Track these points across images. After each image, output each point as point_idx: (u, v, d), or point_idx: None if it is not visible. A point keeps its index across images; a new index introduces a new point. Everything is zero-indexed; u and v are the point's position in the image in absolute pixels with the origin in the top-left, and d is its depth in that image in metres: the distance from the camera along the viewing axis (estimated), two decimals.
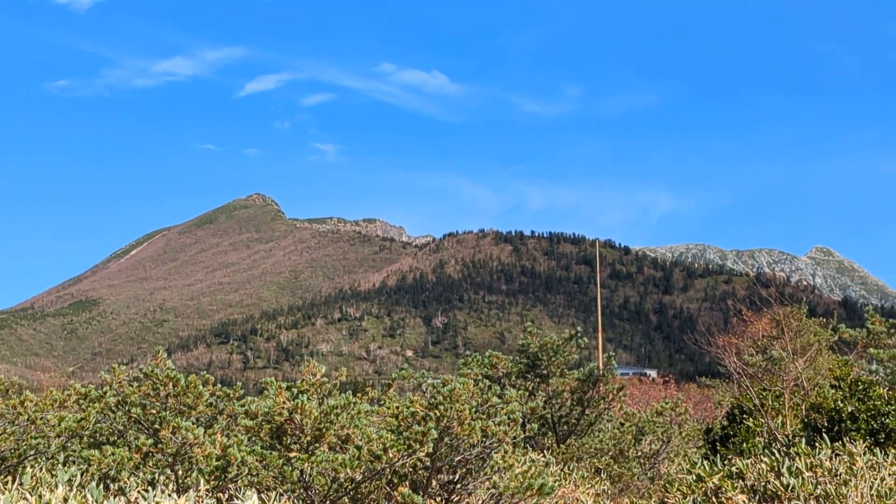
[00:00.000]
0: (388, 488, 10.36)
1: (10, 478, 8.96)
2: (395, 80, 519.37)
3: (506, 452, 11.32)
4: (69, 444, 9.94)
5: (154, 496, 7.57)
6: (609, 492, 16.87)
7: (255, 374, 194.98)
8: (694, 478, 12.13)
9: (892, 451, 11.85)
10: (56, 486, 7.09)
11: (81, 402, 10.18)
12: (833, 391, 14.30)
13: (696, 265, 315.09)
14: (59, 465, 9.48)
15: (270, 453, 9.59)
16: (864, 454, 11.46)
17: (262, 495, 8.58)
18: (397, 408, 10.58)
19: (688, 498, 11.78)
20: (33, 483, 8.31)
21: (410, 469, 10.48)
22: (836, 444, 12.21)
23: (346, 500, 9.99)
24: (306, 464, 9.42)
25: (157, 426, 9.62)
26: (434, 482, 10.86)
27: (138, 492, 8.29)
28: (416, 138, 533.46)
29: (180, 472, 9.75)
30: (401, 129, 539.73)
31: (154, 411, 9.86)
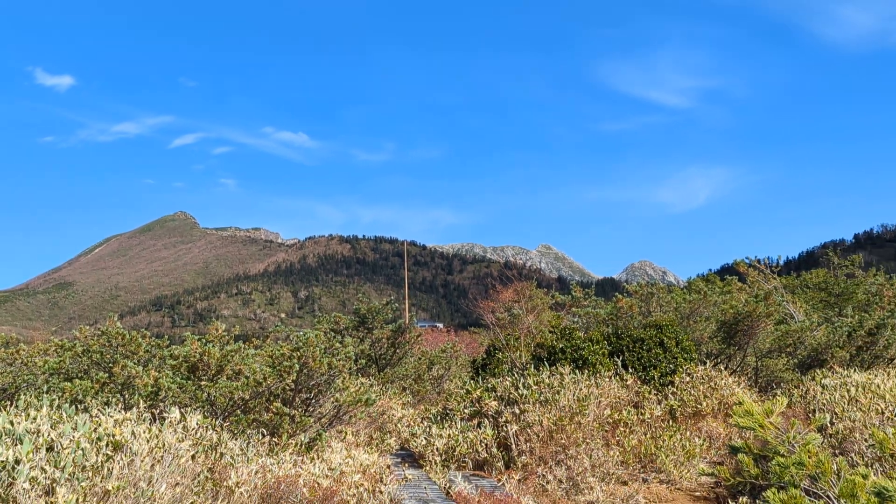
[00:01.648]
0: (266, 403, 13.23)
1: (8, 402, 11.18)
2: (274, 137, 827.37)
3: (344, 378, 14.48)
4: (50, 379, 12.20)
5: (109, 412, 9.75)
6: (411, 402, 20.78)
7: (179, 330, 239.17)
8: (465, 391, 15.98)
9: (587, 371, 15.94)
10: (41, 407, 9.04)
11: (59, 350, 12.77)
12: (551, 335, 18.27)
13: (468, 256, 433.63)
14: (44, 394, 11.45)
15: (187, 382, 12.46)
16: (570, 374, 15.20)
17: (182, 410, 10.76)
18: (272, 351, 13.54)
19: (461, 404, 15.62)
20: (25, 405, 10.31)
21: (281, 391, 13.47)
22: (553, 367, 15.94)
23: (239, 412, 12.81)
24: (212, 389, 12.40)
25: (110, 366, 12.27)
26: (297, 398, 13.86)
27: (98, 409, 10.60)
28: (288, 176, 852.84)
29: (126, 396, 12.20)
30: (278, 170, 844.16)
31: (108, 356, 12.59)
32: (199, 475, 9.62)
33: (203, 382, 12.84)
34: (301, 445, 12.66)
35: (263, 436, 12.51)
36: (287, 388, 13.73)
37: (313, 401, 14.45)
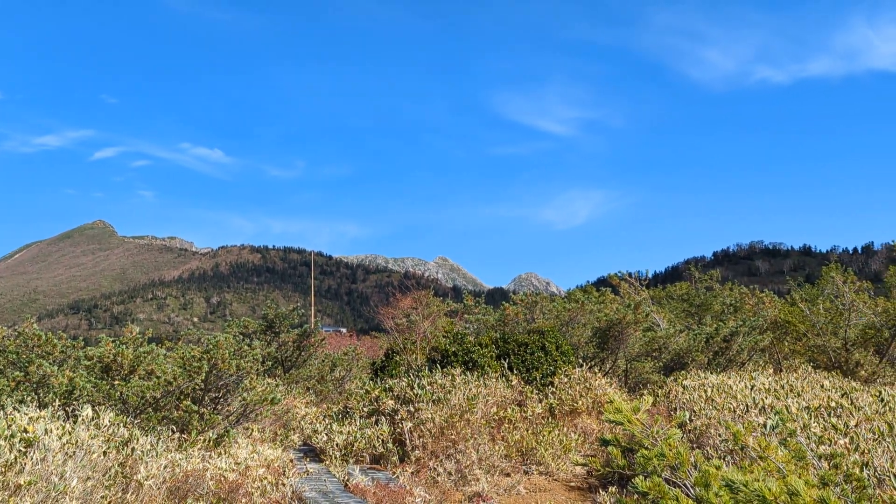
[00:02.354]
0: (177, 402, 13.73)
1: None
2: (191, 152, 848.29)
3: (252, 379, 15.23)
4: None
5: (24, 410, 10.33)
6: (314, 401, 21.52)
7: (96, 333, 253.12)
8: (364, 391, 16.84)
9: (477, 373, 17.00)
10: None
11: None
12: (444, 339, 19.21)
13: (371, 266, 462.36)
14: None
15: (101, 382, 12.90)
16: (460, 375, 16.22)
17: (95, 408, 11.41)
18: (183, 353, 14.08)
19: (360, 403, 16.45)
20: None
21: (191, 390, 14.01)
22: (445, 369, 16.88)
23: (150, 410, 13.32)
24: (125, 388, 12.90)
25: (26, 365, 12.52)
26: (206, 397, 14.48)
27: (13, 407, 11.12)
28: (204, 189, 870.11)
29: (41, 395, 12.48)
30: (194, 183, 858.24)
31: (24, 356, 12.89)
32: (110, 470, 10.24)
33: (116, 382, 13.41)
34: (209, 441, 13.36)
35: (173, 432, 13.14)
36: (197, 387, 14.38)
37: (222, 399, 15.18)
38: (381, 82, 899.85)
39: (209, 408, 14.84)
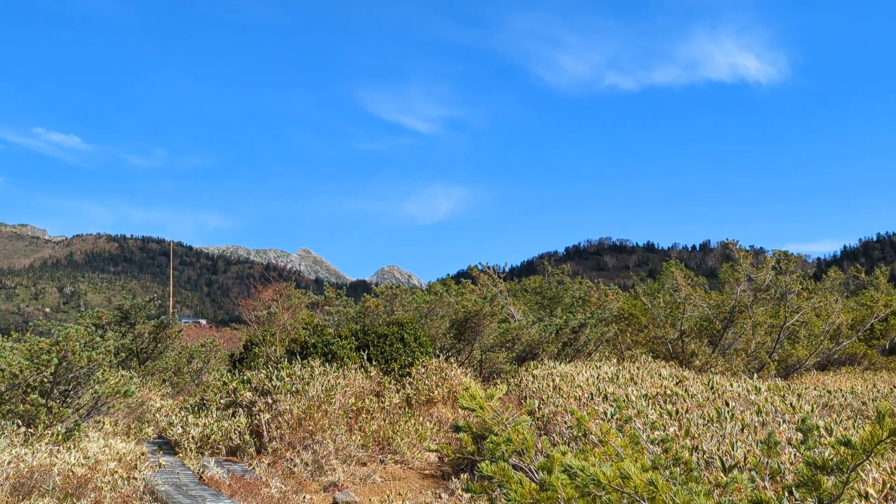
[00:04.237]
0: (23, 395, 13.48)
1: None
2: (45, 138, 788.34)
3: (105, 371, 14.99)
4: None
5: None
6: (171, 393, 21.17)
7: None
8: (221, 383, 16.88)
9: (336, 364, 17.31)
10: None
11: None
12: (304, 331, 19.61)
13: (233, 257, 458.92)
14: None
15: None
16: (319, 367, 16.66)
17: None
18: (31, 345, 13.88)
19: (217, 394, 16.50)
20: None
21: (39, 383, 13.84)
22: (304, 361, 17.19)
23: None
24: None
25: None
26: (55, 390, 14.12)
27: None
28: (59, 176, 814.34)
29: None
30: (48, 169, 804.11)
31: None
32: None
33: None
34: (58, 435, 13.16)
35: (19, 427, 12.92)
36: (45, 380, 14.23)
37: (72, 392, 14.92)
38: (246, 73, 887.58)
39: (58, 401, 14.51)
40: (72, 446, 12.95)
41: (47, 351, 14.09)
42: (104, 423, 15.35)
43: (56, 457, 11.91)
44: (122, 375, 16.64)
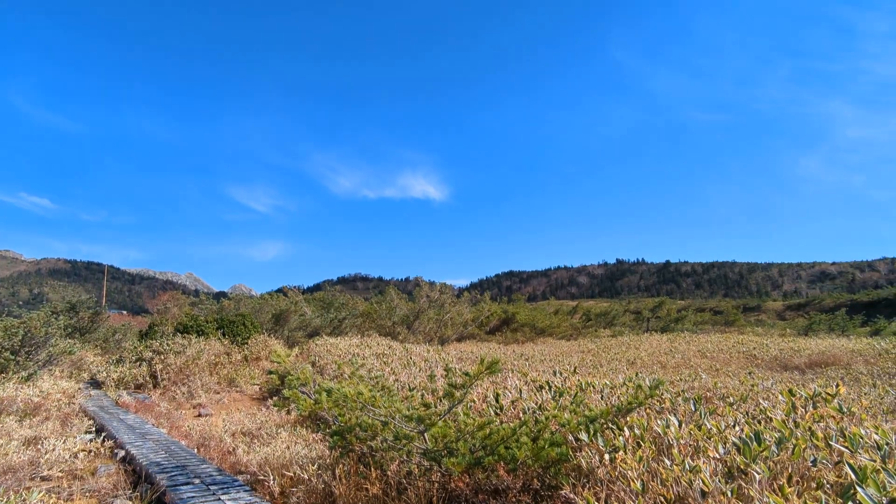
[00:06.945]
0: None
1: None
2: (27, 199, 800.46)
3: (57, 339, 21.20)
4: None
5: None
6: (100, 353, 28.73)
7: None
8: (133, 347, 25.96)
9: (203, 337, 26.70)
10: None
11: None
12: (186, 318, 29.03)
13: (145, 275, 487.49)
14: None
15: None
16: (194, 338, 26.49)
17: None
18: (6, 323, 20.84)
19: (131, 354, 24.36)
20: None
21: (10, 346, 19.77)
22: (185, 335, 26.55)
23: None
24: None
25: None
26: (22, 351, 20.16)
27: None
28: (34, 222, 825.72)
29: None
30: (27, 218, 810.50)
31: None
32: None
33: None
34: (22, 379, 19.35)
35: None
36: (15, 345, 20.88)
37: (33, 352, 21.41)
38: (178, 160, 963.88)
39: (23, 357, 20.96)
40: (31, 385, 18.43)
41: (17, 326, 21.05)
42: (55, 371, 21.93)
43: (20, 391, 16.48)
44: (69, 342, 23.39)
